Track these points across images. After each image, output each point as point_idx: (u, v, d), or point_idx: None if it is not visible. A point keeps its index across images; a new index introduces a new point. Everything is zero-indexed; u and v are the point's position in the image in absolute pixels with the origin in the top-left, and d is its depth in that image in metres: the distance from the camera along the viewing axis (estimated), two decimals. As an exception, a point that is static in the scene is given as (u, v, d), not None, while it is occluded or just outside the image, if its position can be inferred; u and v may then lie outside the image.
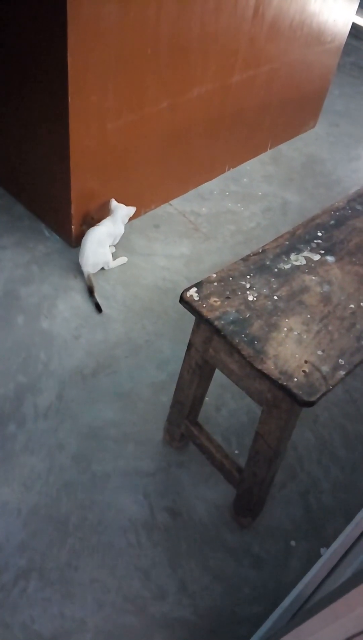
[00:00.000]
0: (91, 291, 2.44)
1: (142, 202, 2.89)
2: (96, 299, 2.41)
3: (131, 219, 2.86)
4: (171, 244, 2.81)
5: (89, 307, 2.41)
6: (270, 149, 3.63)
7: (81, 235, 2.62)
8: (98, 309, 2.40)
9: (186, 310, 1.47)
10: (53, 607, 1.58)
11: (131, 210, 2.59)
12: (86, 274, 2.48)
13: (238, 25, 2.61)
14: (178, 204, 3.05)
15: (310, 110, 3.80)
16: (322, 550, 1.79)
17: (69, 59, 1.97)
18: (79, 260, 2.49)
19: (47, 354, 2.19)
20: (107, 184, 2.57)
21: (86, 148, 2.30)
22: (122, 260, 2.64)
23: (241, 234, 2.94)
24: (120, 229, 2.59)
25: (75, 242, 2.63)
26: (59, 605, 1.59)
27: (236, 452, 1.99)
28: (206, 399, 1.89)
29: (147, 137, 2.57)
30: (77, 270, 2.55)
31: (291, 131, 3.75)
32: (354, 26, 4.23)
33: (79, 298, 2.44)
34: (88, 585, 1.63)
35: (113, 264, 2.59)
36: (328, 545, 1.79)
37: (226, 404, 2.14)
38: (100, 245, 2.48)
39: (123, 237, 2.76)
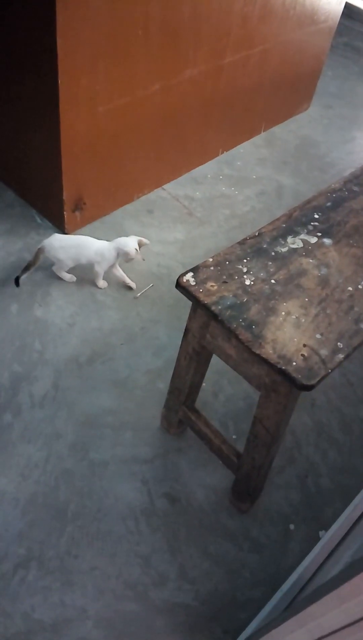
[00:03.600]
0: (27, 267, 2.28)
1: (135, 187, 2.86)
2: (21, 275, 2.28)
3: (124, 204, 2.84)
4: (165, 229, 2.78)
5: (83, 295, 2.38)
6: (264, 131, 3.58)
7: (73, 220, 2.59)
8: (16, 283, 2.30)
9: (181, 296, 1.45)
10: (53, 595, 1.58)
11: (133, 252, 2.26)
12: (40, 247, 2.27)
13: (230, 4, 2.55)
14: (171, 188, 3.01)
15: (303, 92, 3.76)
16: (321, 533, 1.79)
17: (58, 41, 1.92)
18: (56, 234, 2.32)
19: (42, 343, 2.17)
20: (99, 169, 2.53)
21: (77, 132, 2.26)
22: (71, 278, 2.41)
23: (236, 218, 2.91)
24: (109, 258, 2.30)
25: (67, 228, 2.60)
26: (60, 594, 1.58)
27: (233, 437, 1.98)
28: (203, 385, 1.88)
29: (139, 120, 2.53)
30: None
31: (284, 113, 3.70)
32: (347, 6, 4.16)
33: (72, 285, 2.41)
34: (88, 573, 1.63)
35: (63, 274, 2.40)
36: (327, 529, 1.79)
37: (223, 389, 2.13)
38: (80, 248, 2.30)
39: (116, 222, 2.73)
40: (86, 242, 2.33)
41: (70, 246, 2.31)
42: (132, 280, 2.45)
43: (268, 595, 1.63)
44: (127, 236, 2.32)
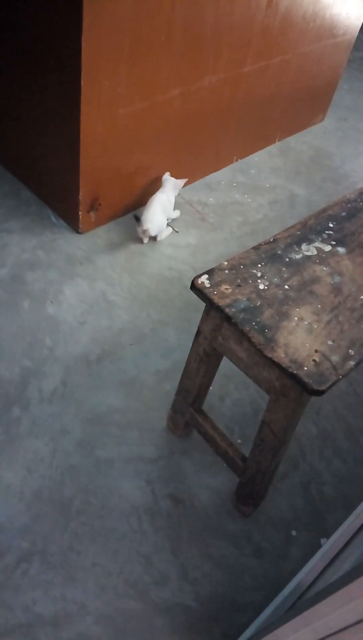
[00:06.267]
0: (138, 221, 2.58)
1: (150, 191, 2.87)
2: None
3: (138, 206, 2.87)
4: (178, 233, 2.80)
5: (94, 294, 2.40)
6: (279, 141, 3.61)
7: (88, 220, 2.62)
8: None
9: (191, 299, 1.48)
10: (55, 589, 1.59)
11: (181, 182, 2.74)
12: (142, 230, 2.55)
13: (252, 15, 2.59)
14: (185, 193, 3.04)
15: (319, 104, 3.79)
16: (322, 540, 1.80)
17: (83, 43, 1.95)
18: (142, 217, 2.55)
19: (53, 339, 2.19)
20: (115, 171, 2.56)
21: (96, 133, 2.29)
22: (169, 230, 2.76)
23: (248, 225, 2.94)
24: (171, 200, 2.71)
25: (81, 227, 2.62)
26: (61, 588, 1.59)
27: (239, 441, 1.99)
28: (210, 388, 1.89)
29: (157, 124, 2.56)
30: (83, 256, 2.55)
31: (300, 124, 3.73)
32: (366, 20, 4.20)
33: (85, 285, 2.43)
34: (90, 569, 1.64)
35: (165, 233, 2.72)
36: (328, 536, 1.79)
37: (229, 393, 2.14)
38: (163, 210, 2.62)
39: (130, 224, 2.76)
40: (159, 198, 2.63)
41: (161, 210, 2.60)
42: (143, 281, 2.48)
43: (267, 599, 1.64)
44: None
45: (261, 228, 2.93)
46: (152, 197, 2.63)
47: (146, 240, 2.67)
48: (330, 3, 3.03)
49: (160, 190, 2.69)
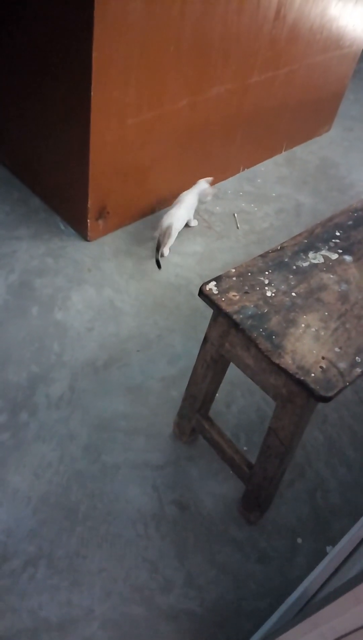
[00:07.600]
0: (158, 247, 2.56)
1: (156, 199, 2.91)
2: (158, 256, 2.57)
3: (146, 215, 2.90)
4: (185, 241, 2.82)
5: (102, 301, 2.42)
6: (285, 150, 3.64)
7: (96, 228, 2.64)
8: (158, 265, 2.59)
9: (198, 306, 1.49)
10: (61, 594, 1.59)
11: (210, 190, 2.82)
12: (165, 226, 2.54)
13: (260, 26, 2.62)
14: (192, 202, 3.06)
15: (325, 114, 3.82)
16: (328, 548, 1.80)
17: (94, 53, 1.98)
18: (168, 212, 2.61)
19: (60, 345, 2.21)
20: (123, 179, 2.59)
21: (105, 143, 2.32)
22: (173, 238, 2.73)
23: (254, 234, 2.96)
24: (195, 204, 2.78)
25: (90, 235, 2.65)
26: (67, 593, 1.60)
27: (245, 448, 2.00)
28: (216, 395, 1.90)
29: (165, 134, 2.59)
30: (91, 263, 2.57)
31: (306, 134, 3.76)
32: (372, 32, 4.23)
33: (92, 291, 2.45)
34: (96, 574, 1.64)
35: (169, 245, 2.67)
36: (334, 544, 1.79)
37: (235, 401, 2.15)
38: (191, 208, 2.72)
39: (138, 232, 2.79)
40: (190, 196, 2.73)
41: (190, 206, 2.72)
42: (150, 288, 2.50)
43: (273, 606, 1.64)
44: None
45: (267, 237, 2.94)
46: (180, 198, 2.71)
47: (166, 252, 2.65)
48: (336, 15, 3.06)
49: (189, 191, 2.77)
